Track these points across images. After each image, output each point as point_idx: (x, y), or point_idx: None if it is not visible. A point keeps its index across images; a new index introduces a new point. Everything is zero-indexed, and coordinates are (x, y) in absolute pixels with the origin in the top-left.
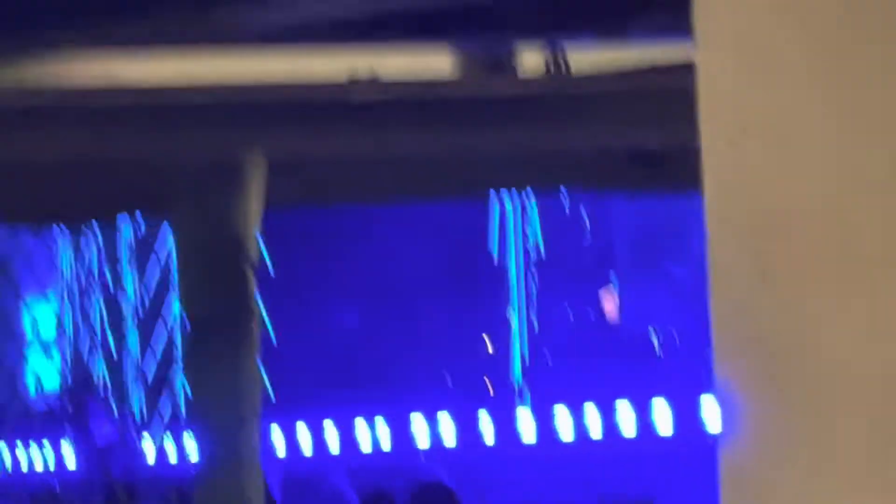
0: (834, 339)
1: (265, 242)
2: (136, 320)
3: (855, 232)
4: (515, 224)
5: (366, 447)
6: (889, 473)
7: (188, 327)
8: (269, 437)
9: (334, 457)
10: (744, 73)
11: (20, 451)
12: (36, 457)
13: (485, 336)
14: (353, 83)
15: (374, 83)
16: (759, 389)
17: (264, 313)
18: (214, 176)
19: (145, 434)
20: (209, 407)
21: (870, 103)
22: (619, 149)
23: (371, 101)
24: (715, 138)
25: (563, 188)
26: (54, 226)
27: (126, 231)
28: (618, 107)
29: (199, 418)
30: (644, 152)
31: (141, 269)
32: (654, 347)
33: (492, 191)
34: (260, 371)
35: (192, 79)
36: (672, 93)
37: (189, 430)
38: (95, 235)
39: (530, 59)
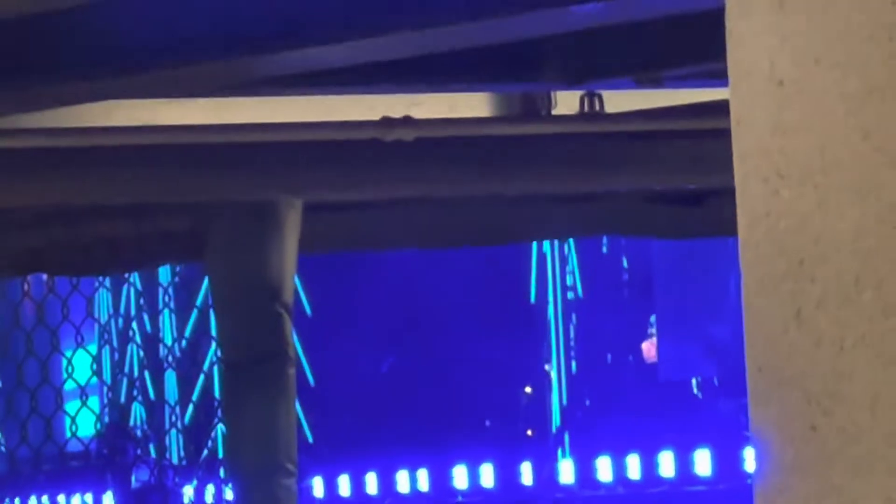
0: (873, 380)
1: (303, 286)
2: (173, 364)
3: (890, 271)
4: (553, 267)
5: (405, 490)
6: None
7: (224, 371)
8: (308, 482)
9: (372, 498)
10: (778, 113)
11: (59, 497)
12: (74, 501)
13: (527, 388)
14: (388, 124)
15: (408, 123)
16: (796, 433)
17: (302, 357)
18: (249, 219)
19: (182, 477)
20: (245, 450)
21: None
22: (654, 190)
23: (406, 142)
24: (749, 179)
25: (599, 230)
26: (91, 273)
27: (163, 275)
28: (653, 147)
29: (235, 461)
30: (680, 194)
31: (178, 312)
32: (694, 394)
33: (534, 236)
34: (297, 415)
35: (226, 123)
36: (707, 133)
37: (225, 473)
38: (132, 280)
39: (566, 102)
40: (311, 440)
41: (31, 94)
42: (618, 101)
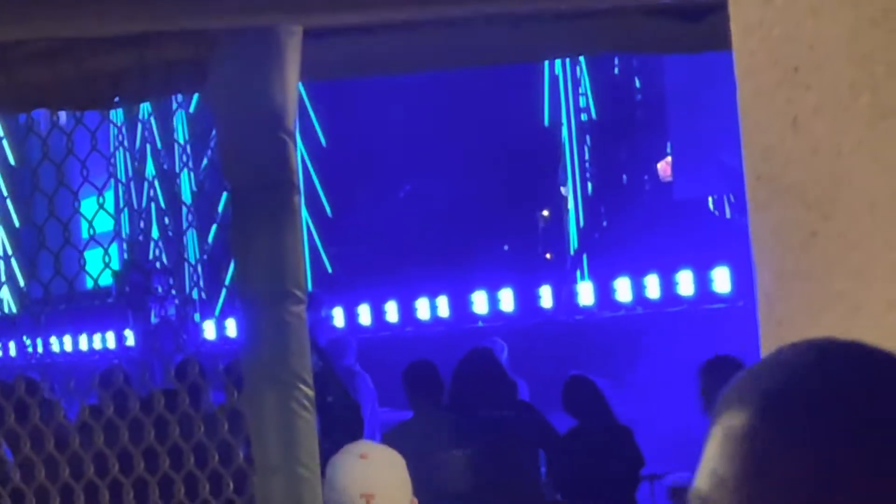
0: (871, 185)
1: (318, 115)
2: (190, 196)
3: (885, 74)
4: (566, 89)
5: (425, 317)
6: None
7: (230, 199)
8: (326, 310)
9: (393, 326)
10: None
11: (82, 335)
12: (95, 339)
13: (544, 211)
14: None
15: None
16: (796, 240)
17: (319, 187)
18: (250, 46)
19: (202, 311)
20: (253, 278)
21: None
22: (655, 5)
23: None
24: None
25: (602, 47)
26: (95, 106)
27: (166, 106)
28: None
29: (244, 290)
30: (681, 8)
31: (192, 145)
32: (711, 211)
33: (539, 55)
34: (303, 242)
35: None
36: None
37: (235, 302)
38: (137, 114)
39: None
40: (330, 270)
41: None
42: None
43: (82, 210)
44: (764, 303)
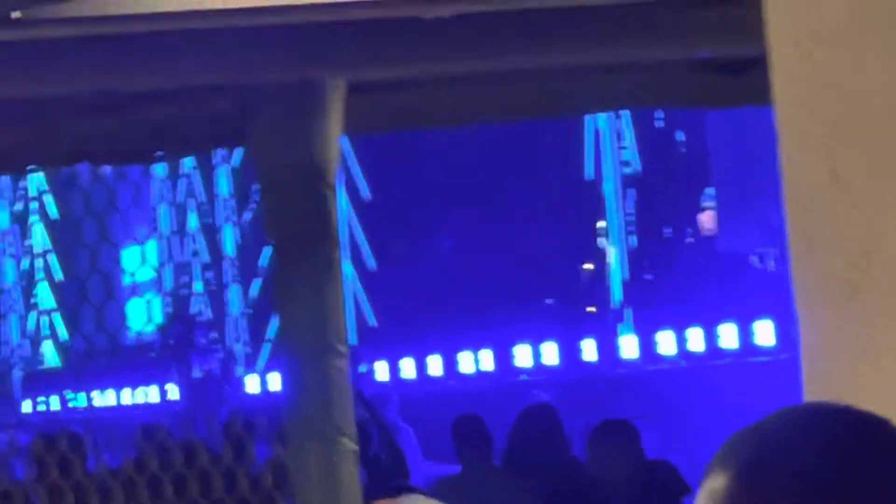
0: None
1: (363, 167)
2: (233, 250)
3: None
4: (609, 142)
5: (468, 370)
6: None
7: (273, 253)
8: (367, 364)
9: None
10: None
11: (125, 389)
12: (139, 393)
13: (588, 265)
14: (427, 0)
15: (447, 0)
16: (835, 289)
17: (363, 241)
18: (293, 100)
19: (246, 365)
20: (296, 332)
21: None
22: (700, 60)
23: (446, 19)
24: (783, 43)
25: (645, 101)
26: (136, 161)
27: (209, 159)
28: (691, 16)
29: (286, 343)
30: (725, 63)
31: (238, 199)
32: (753, 266)
33: (584, 109)
34: (343, 296)
35: (269, 5)
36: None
37: (279, 358)
38: (176, 168)
39: None
40: (374, 324)
41: None
42: None
43: (124, 258)
44: (807, 357)
